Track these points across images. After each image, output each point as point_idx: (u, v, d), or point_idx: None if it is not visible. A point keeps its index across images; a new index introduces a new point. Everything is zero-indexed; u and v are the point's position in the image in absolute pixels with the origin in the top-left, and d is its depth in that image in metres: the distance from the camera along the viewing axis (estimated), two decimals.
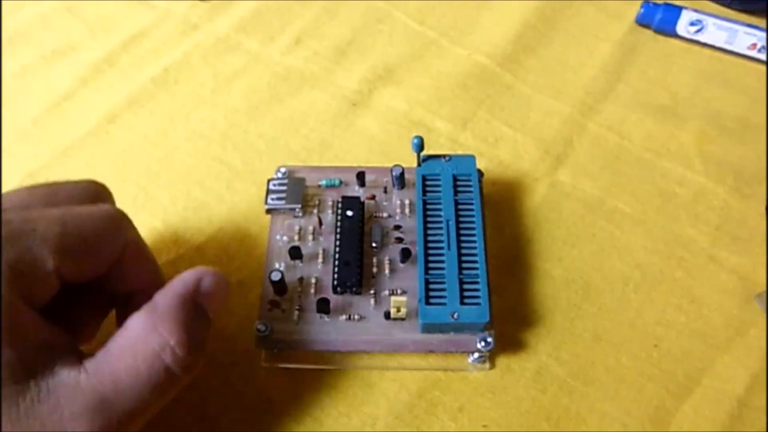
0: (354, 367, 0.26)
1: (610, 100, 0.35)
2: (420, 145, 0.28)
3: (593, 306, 0.28)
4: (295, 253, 0.27)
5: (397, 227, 0.28)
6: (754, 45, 0.36)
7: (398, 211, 0.29)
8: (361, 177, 0.29)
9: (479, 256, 0.26)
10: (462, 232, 0.27)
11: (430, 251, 0.26)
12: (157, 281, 0.23)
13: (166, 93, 0.35)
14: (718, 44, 0.36)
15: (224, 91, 0.35)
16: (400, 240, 0.28)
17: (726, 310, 0.28)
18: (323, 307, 0.26)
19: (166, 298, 0.20)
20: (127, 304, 0.22)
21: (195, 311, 0.21)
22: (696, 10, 0.37)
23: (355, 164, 0.31)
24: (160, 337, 0.19)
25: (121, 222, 0.22)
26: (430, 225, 0.27)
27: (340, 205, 0.28)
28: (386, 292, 0.26)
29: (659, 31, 0.37)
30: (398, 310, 0.25)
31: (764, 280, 0.29)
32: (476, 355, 0.26)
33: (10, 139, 0.33)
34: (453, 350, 0.26)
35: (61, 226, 0.20)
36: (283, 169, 0.30)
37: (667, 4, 0.37)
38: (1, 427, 0.17)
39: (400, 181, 0.29)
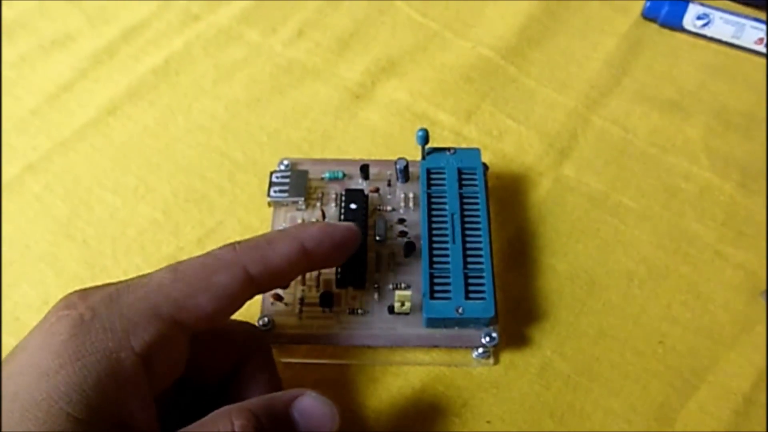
0: (357, 362, 0.26)
1: (616, 94, 0.34)
2: (425, 138, 0.27)
3: (598, 301, 0.28)
4: None
5: (401, 221, 0.28)
6: (761, 39, 0.35)
7: (402, 204, 0.28)
8: (364, 170, 0.29)
9: (484, 251, 0.26)
10: (467, 226, 0.26)
11: (435, 245, 0.26)
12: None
13: (166, 84, 0.34)
14: (724, 39, 0.36)
15: (226, 83, 0.35)
16: (404, 234, 0.27)
17: (732, 306, 0.28)
18: (326, 301, 0.25)
19: (254, 400, 0.20)
20: None
21: (278, 420, 0.20)
22: (703, 4, 0.36)
23: (358, 157, 0.30)
24: (228, 423, 0.18)
25: (234, 257, 0.21)
26: (434, 219, 0.27)
27: (343, 197, 0.27)
28: (390, 287, 0.26)
29: (665, 24, 0.37)
30: (402, 305, 0.25)
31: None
32: (480, 350, 0.25)
33: (9, 130, 0.33)
34: (457, 345, 0.25)
35: (172, 271, 0.20)
36: (286, 161, 0.29)
37: None
38: None
39: (405, 174, 0.28)
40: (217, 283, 0.20)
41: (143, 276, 0.20)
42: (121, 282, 0.20)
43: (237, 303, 0.21)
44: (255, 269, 0.21)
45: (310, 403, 0.20)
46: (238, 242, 0.22)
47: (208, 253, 0.21)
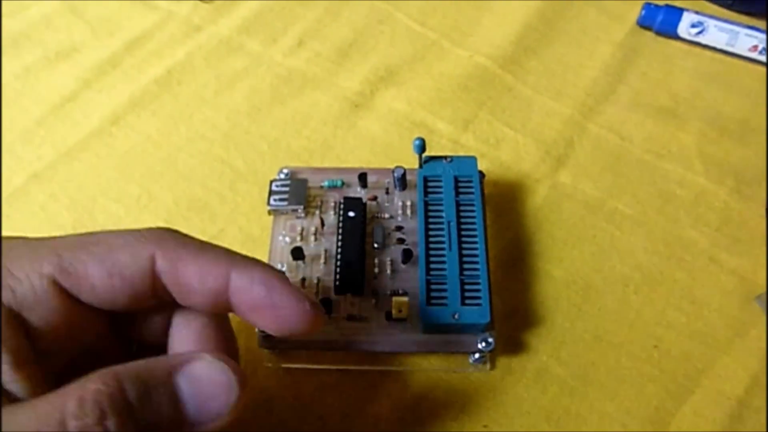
0: (356, 368, 0.26)
1: (611, 101, 0.35)
2: (422, 147, 0.28)
3: (594, 307, 0.28)
4: (298, 253, 0.27)
5: (399, 228, 0.28)
6: (755, 47, 0.36)
7: (400, 212, 0.29)
8: (363, 178, 0.29)
9: (480, 257, 0.26)
10: (463, 233, 0.27)
11: (432, 252, 0.26)
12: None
13: (168, 94, 0.35)
14: (719, 46, 0.36)
15: (227, 93, 0.35)
16: (401, 241, 0.28)
17: (726, 311, 0.28)
18: (325, 307, 0.26)
19: (134, 363, 0.17)
20: None
21: (153, 387, 0.16)
22: (697, 12, 0.37)
23: (357, 165, 0.31)
24: (84, 390, 0.16)
25: (148, 241, 0.18)
26: (431, 226, 0.27)
27: (342, 206, 0.28)
28: (388, 293, 0.26)
29: (660, 32, 0.37)
30: (400, 311, 0.25)
31: (764, 281, 0.29)
32: (477, 355, 0.26)
33: (14, 140, 0.33)
34: (454, 351, 0.26)
35: (79, 235, 0.19)
36: (285, 170, 0.30)
37: (668, 6, 0.37)
38: None
39: (402, 182, 0.29)
40: (113, 259, 0.17)
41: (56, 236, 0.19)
42: (30, 237, 0.18)
43: (134, 290, 0.18)
44: (163, 265, 0.18)
45: (202, 369, 0.17)
46: (175, 233, 0.19)
47: (130, 230, 0.19)
